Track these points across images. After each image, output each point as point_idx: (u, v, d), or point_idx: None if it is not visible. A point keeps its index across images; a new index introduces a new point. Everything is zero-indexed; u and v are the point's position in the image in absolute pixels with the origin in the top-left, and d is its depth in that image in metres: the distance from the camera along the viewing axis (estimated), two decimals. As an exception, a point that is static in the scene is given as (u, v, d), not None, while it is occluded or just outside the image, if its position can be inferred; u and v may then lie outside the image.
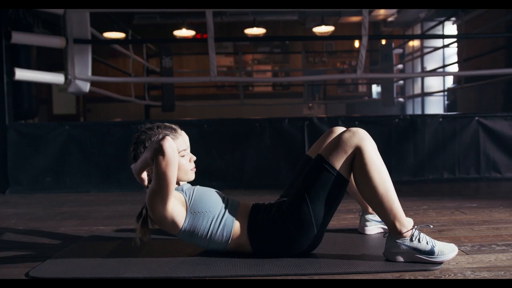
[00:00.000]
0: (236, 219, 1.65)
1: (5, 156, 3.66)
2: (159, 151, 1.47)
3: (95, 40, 5.01)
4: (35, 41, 3.99)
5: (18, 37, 3.70)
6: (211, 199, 1.66)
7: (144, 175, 1.57)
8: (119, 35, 8.12)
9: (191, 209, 1.62)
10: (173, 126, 1.74)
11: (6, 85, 3.67)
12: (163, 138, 1.48)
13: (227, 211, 1.66)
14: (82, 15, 3.98)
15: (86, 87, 4.08)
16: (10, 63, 3.70)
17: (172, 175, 1.50)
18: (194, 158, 1.75)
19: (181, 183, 1.74)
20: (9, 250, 1.90)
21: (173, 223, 1.60)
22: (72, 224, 2.41)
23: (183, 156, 1.70)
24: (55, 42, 3.88)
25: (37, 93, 4.57)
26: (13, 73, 3.58)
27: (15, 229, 2.32)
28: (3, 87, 3.66)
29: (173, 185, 1.53)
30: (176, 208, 1.60)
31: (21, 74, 3.65)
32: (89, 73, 4.03)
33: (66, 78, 3.94)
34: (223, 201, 1.69)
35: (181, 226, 1.61)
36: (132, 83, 7.49)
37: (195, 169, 1.75)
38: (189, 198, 1.64)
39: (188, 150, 1.75)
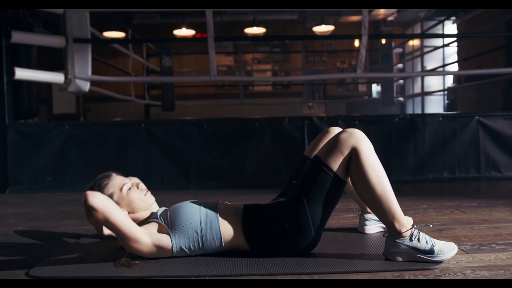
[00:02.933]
0: (222, 219, 1.65)
1: (5, 156, 3.66)
2: (89, 209, 1.48)
3: (95, 39, 5.00)
4: (35, 41, 3.99)
5: (18, 37, 3.70)
6: (186, 211, 1.65)
7: (106, 230, 1.59)
8: (119, 34, 8.11)
9: (173, 230, 1.62)
10: (105, 173, 1.76)
11: (6, 84, 3.67)
12: (84, 195, 1.48)
13: (207, 214, 1.65)
14: (82, 14, 3.98)
15: (86, 86, 4.08)
16: (10, 63, 3.70)
17: (117, 218, 1.51)
18: (140, 183, 1.76)
19: (153, 209, 1.76)
20: (9, 250, 1.90)
21: (163, 249, 1.61)
22: (72, 224, 2.41)
23: (129, 189, 1.71)
24: (55, 41, 3.88)
25: (37, 93, 4.56)
26: (13, 73, 3.58)
27: (15, 228, 2.32)
28: (3, 86, 3.66)
29: (127, 224, 1.53)
30: (156, 236, 1.60)
31: (21, 73, 3.65)
32: (89, 72, 4.03)
33: (66, 77, 3.94)
34: (199, 207, 1.69)
35: (171, 249, 1.61)
36: (132, 83, 7.49)
37: (148, 191, 1.76)
38: (165, 221, 1.64)
39: (130, 181, 1.75)
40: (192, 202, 1.73)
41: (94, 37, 4.88)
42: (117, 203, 1.67)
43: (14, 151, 3.68)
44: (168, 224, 1.63)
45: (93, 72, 4.15)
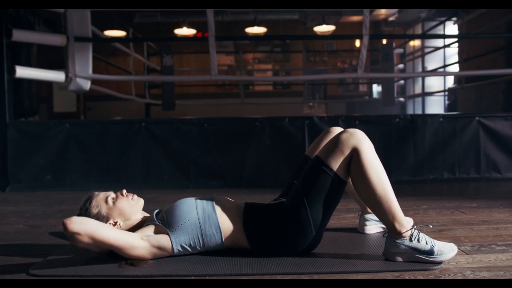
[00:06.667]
0: (219, 212, 1.65)
1: (5, 154, 3.66)
2: (73, 237, 1.46)
3: (95, 38, 5.00)
4: (36, 39, 3.98)
5: (19, 35, 3.69)
6: (183, 208, 1.65)
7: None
8: (120, 33, 8.11)
9: (171, 229, 1.61)
10: (87, 195, 1.74)
11: (6, 82, 3.67)
12: (63, 225, 1.46)
13: (204, 209, 1.65)
14: (83, 13, 3.98)
15: (86, 85, 4.08)
16: (11, 61, 3.70)
17: (105, 234, 1.50)
18: (124, 190, 1.75)
19: (141, 214, 1.76)
20: (8, 248, 1.90)
21: (163, 250, 1.61)
22: (72, 222, 2.40)
23: (113, 198, 1.71)
24: (56, 40, 3.88)
25: (38, 91, 4.56)
26: (14, 71, 3.58)
27: (15, 227, 2.32)
28: (3, 84, 3.66)
29: (117, 237, 1.52)
30: (154, 238, 1.60)
31: (22, 72, 3.65)
32: (90, 71, 4.03)
33: (66, 76, 3.94)
34: (195, 203, 1.68)
35: (171, 248, 1.61)
36: (133, 82, 7.49)
37: (134, 195, 1.76)
38: (162, 221, 1.64)
39: (112, 192, 1.75)
40: (187, 198, 1.73)
41: (95, 35, 4.88)
42: (108, 216, 1.68)
43: (14, 149, 3.68)
44: (166, 224, 1.63)
45: (94, 71, 4.15)
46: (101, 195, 1.73)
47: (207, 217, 1.63)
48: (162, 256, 1.63)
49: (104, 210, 1.69)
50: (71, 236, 1.47)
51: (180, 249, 1.62)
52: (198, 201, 1.69)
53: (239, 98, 9.33)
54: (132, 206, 1.72)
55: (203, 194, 1.80)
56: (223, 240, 1.64)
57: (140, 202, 1.76)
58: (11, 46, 3.72)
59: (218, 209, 1.66)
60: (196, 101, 10.10)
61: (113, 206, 1.69)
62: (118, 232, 1.55)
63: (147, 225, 1.66)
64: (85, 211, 1.68)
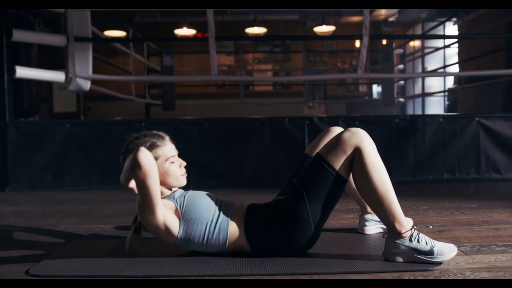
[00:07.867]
0: (232, 220, 1.65)
1: (5, 154, 3.66)
2: (135, 164, 1.47)
3: (95, 38, 5.00)
4: (36, 39, 3.98)
5: (19, 35, 3.69)
6: (203, 204, 1.65)
7: (132, 184, 1.55)
8: (120, 33, 8.12)
9: (184, 217, 1.62)
10: (161, 133, 1.75)
11: (6, 83, 3.66)
12: (138, 149, 1.47)
13: (221, 214, 1.65)
14: (83, 13, 3.98)
15: (86, 85, 4.08)
16: (11, 61, 3.70)
17: (153, 185, 1.49)
18: (184, 163, 1.75)
19: (173, 189, 1.75)
20: (8, 248, 1.90)
21: (168, 232, 1.60)
22: (72, 222, 2.41)
23: (172, 162, 1.71)
24: (56, 40, 3.88)
25: (38, 91, 4.56)
26: (14, 71, 3.57)
27: (15, 227, 2.32)
28: (3, 84, 3.65)
29: (156, 195, 1.52)
30: (168, 216, 1.59)
31: (22, 72, 3.65)
32: (90, 71, 4.03)
33: (66, 76, 3.94)
34: (216, 204, 1.68)
35: (176, 234, 1.61)
36: (133, 82, 7.48)
37: (186, 174, 1.75)
38: (180, 206, 1.64)
39: (176, 156, 1.74)
40: (210, 195, 1.72)
41: (95, 36, 4.88)
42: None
43: (14, 149, 3.67)
44: (182, 210, 1.62)
45: (94, 71, 4.15)
46: (169, 149, 1.71)
47: (219, 223, 1.63)
48: (162, 238, 1.62)
49: (159, 161, 1.67)
50: (133, 164, 1.47)
51: (182, 239, 1.62)
52: (219, 204, 1.69)
53: (239, 98, 9.33)
54: (177, 180, 1.71)
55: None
56: (227, 246, 1.64)
57: (183, 183, 1.74)
58: (11, 46, 3.72)
59: (231, 218, 1.65)
60: (196, 101, 10.10)
61: (167, 166, 1.68)
62: (159, 194, 1.54)
63: (168, 199, 1.65)
64: (149, 146, 1.67)
